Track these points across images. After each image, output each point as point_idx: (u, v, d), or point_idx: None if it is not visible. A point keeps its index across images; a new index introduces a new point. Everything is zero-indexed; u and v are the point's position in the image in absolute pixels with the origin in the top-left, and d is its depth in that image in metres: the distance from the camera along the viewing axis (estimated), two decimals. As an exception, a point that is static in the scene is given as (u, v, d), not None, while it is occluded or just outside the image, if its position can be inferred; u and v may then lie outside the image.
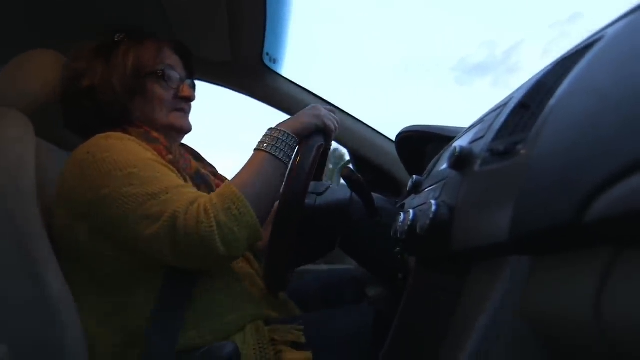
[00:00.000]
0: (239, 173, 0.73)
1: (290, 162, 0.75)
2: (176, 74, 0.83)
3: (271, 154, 0.73)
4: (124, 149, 0.69)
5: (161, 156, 0.74)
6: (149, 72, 0.80)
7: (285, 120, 0.78)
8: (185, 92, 0.84)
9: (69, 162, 0.72)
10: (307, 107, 0.80)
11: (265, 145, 0.73)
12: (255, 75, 1.30)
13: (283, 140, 0.74)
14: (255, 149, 0.75)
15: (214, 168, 0.93)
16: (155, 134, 0.79)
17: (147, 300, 0.70)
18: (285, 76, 1.33)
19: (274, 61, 1.28)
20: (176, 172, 0.74)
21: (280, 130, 0.74)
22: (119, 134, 0.73)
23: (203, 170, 0.85)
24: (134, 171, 0.66)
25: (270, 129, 0.76)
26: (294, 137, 0.75)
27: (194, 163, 0.85)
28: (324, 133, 0.79)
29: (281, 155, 0.73)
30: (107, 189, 0.65)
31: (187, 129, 0.86)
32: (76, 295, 0.71)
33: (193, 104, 0.88)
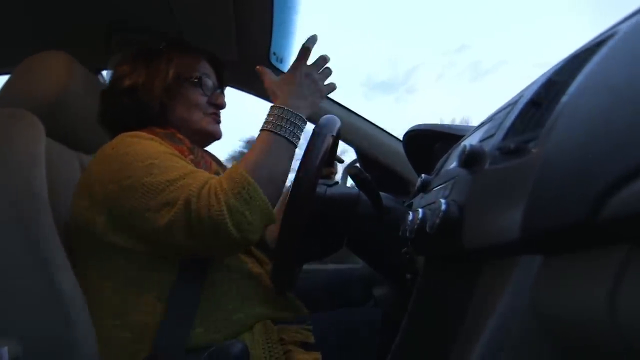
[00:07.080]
0: (247, 155, 0.72)
1: (298, 141, 0.74)
2: (211, 82, 0.90)
3: (279, 134, 0.73)
4: (146, 145, 0.72)
5: (183, 156, 0.77)
6: (187, 77, 0.87)
7: (286, 94, 0.76)
8: (219, 99, 0.91)
9: (95, 157, 0.75)
10: (298, 74, 0.77)
11: (271, 125, 0.73)
12: (262, 75, 1.30)
13: (288, 119, 0.73)
14: (261, 130, 0.74)
15: None
16: (180, 136, 0.82)
17: (158, 297, 0.71)
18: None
19: (281, 60, 1.28)
20: None
21: (285, 109, 0.74)
22: (143, 134, 0.76)
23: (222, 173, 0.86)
24: (155, 162, 0.69)
25: (273, 107, 0.75)
26: (299, 115, 0.74)
27: (214, 166, 0.86)
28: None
29: (289, 135, 0.73)
30: (130, 180, 0.68)
31: (218, 136, 0.92)
32: (89, 291, 0.71)
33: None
